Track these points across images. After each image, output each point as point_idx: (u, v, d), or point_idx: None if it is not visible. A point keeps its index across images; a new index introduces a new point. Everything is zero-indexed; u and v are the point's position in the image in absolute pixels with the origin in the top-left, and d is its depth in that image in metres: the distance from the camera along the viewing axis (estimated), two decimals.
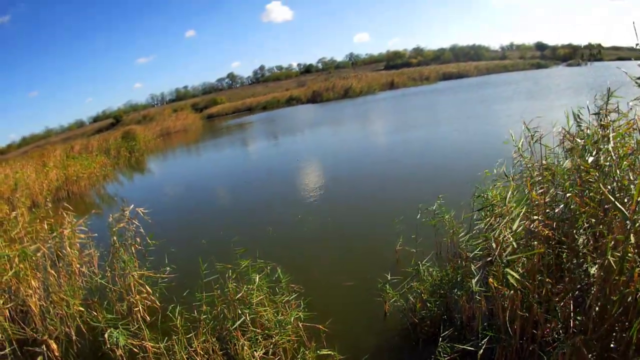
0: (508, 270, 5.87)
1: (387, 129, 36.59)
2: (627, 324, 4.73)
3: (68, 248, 9.91)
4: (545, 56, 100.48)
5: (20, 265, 9.24)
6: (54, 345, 8.26)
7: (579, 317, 5.74)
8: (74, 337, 8.72)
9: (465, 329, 7.28)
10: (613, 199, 5.18)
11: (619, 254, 4.92)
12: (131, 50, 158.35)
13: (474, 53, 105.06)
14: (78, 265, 9.93)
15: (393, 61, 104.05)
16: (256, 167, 28.37)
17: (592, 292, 5.29)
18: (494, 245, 6.55)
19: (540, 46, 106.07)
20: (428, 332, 7.72)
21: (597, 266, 5.43)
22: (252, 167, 28.72)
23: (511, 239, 6.19)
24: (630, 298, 4.71)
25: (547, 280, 5.95)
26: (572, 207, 6.28)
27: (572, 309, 5.86)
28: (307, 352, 6.56)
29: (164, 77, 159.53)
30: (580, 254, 6.02)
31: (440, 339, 7.08)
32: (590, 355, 4.97)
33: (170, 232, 15.20)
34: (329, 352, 6.65)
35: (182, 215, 19.04)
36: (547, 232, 6.12)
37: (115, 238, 9.62)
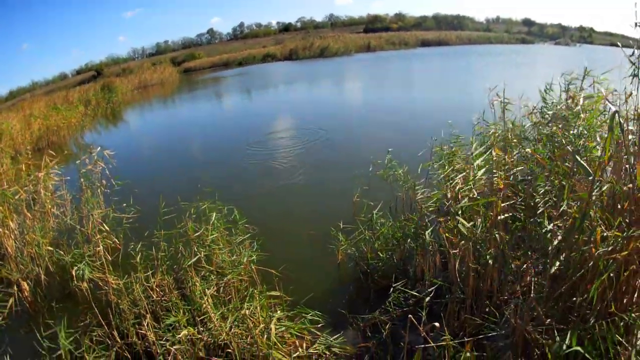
0: (459, 218, 5.89)
1: (358, 88, 36.56)
2: (588, 286, 4.65)
3: (42, 190, 9.93)
4: (532, 33, 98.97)
5: (0, 208, 9.30)
6: (25, 285, 8.30)
7: (535, 279, 5.65)
8: (42, 277, 8.69)
9: (419, 282, 7.17)
10: (577, 157, 5.18)
11: (576, 208, 4.94)
12: (118, 3, 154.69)
13: (457, 22, 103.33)
14: (50, 207, 9.97)
15: (373, 24, 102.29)
16: (225, 120, 28.41)
17: (551, 248, 5.17)
18: (448, 194, 6.63)
19: (527, 22, 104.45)
20: (380, 283, 7.69)
21: (556, 222, 5.38)
22: (222, 120, 28.88)
23: (471, 187, 6.24)
24: (591, 260, 4.64)
25: (503, 235, 5.91)
26: (532, 166, 6.37)
27: (532, 272, 5.80)
28: (256, 292, 6.54)
29: (147, 31, 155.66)
30: (540, 210, 6.00)
31: (392, 289, 7.05)
32: (549, 319, 4.90)
33: (140, 178, 15.22)
34: (278, 294, 6.59)
35: (153, 163, 19.15)
36: (501, 184, 6.09)
37: (82, 180, 9.66)
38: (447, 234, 6.25)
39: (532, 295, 5.17)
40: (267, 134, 20.60)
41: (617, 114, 4.48)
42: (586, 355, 4.14)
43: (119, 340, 6.41)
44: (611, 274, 4.42)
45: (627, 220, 4.61)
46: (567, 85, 7.82)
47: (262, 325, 5.41)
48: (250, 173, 15.03)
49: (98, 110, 38.06)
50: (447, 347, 4.68)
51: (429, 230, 6.93)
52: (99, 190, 9.83)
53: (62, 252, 8.51)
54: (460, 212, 6.11)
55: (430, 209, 7.79)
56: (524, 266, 5.85)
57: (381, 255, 8.04)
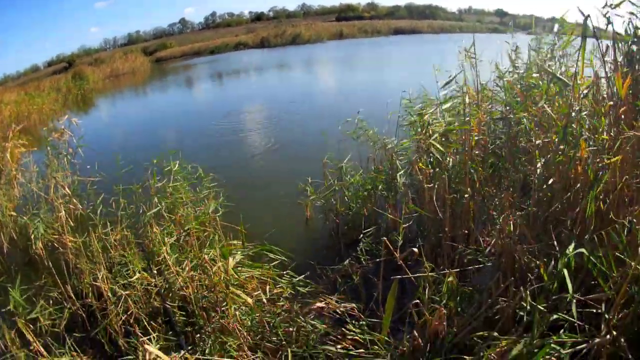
0: (431, 141, 5.67)
1: (330, 71, 36.64)
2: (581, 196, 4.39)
3: (8, 157, 9.85)
4: (504, 23, 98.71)
5: None
6: None
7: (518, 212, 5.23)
8: (5, 245, 8.52)
9: (391, 232, 6.59)
10: (554, 73, 5.24)
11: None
12: None
13: (429, 12, 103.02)
14: (15, 173, 9.71)
15: (345, 13, 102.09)
16: (196, 106, 28.00)
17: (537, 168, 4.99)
18: (420, 129, 6.50)
19: (500, 13, 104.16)
20: (350, 236, 7.46)
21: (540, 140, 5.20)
22: (192, 106, 28.28)
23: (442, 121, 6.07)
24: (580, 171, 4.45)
25: (479, 169, 5.75)
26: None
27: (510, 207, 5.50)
28: (216, 238, 6.16)
29: (120, 21, 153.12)
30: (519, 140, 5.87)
31: (362, 235, 6.74)
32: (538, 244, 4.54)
33: (109, 159, 15.00)
34: (238, 242, 6.25)
35: (121, 147, 18.44)
36: (474, 122, 5.87)
37: (49, 148, 9.37)
38: (420, 165, 5.99)
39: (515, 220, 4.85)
40: (238, 113, 20.74)
41: (589, 18, 4.28)
42: (591, 261, 3.80)
43: (73, 297, 6.12)
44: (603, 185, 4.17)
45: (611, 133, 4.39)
46: (537, 45, 7.61)
47: (220, 264, 5.02)
48: (221, 147, 14.97)
49: (69, 97, 37.58)
50: (427, 279, 4.33)
51: (401, 172, 6.66)
52: (65, 160, 9.51)
53: (24, 218, 8.21)
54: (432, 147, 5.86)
55: (401, 157, 7.54)
56: (503, 200, 5.47)
57: (351, 205, 7.79)
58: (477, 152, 5.94)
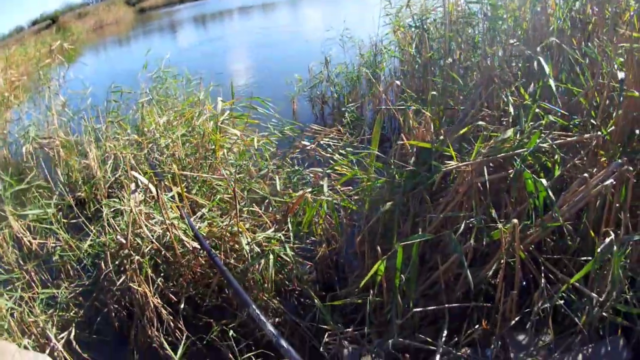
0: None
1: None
2: None
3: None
4: None
5: None
6: None
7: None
8: None
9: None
10: None
11: None
12: None
13: None
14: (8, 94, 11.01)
15: None
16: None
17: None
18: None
19: None
20: (336, 121, 7.20)
21: None
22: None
23: None
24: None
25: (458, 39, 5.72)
26: None
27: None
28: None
29: None
30: None
31: (345, 109, 6.82)
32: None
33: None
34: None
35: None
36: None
37: (40, 72, 9.42)
38: (402, 28, 5.99)
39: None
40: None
41: None
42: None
43: (63, 188, 6.13)
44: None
45: None
46: None
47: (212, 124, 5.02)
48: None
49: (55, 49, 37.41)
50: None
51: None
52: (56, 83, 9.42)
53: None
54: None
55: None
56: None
57: (337, 89, 7.89)
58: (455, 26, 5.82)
